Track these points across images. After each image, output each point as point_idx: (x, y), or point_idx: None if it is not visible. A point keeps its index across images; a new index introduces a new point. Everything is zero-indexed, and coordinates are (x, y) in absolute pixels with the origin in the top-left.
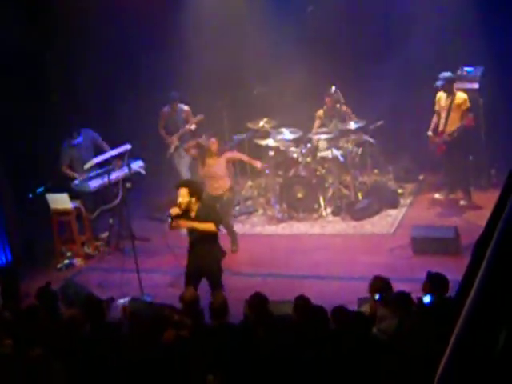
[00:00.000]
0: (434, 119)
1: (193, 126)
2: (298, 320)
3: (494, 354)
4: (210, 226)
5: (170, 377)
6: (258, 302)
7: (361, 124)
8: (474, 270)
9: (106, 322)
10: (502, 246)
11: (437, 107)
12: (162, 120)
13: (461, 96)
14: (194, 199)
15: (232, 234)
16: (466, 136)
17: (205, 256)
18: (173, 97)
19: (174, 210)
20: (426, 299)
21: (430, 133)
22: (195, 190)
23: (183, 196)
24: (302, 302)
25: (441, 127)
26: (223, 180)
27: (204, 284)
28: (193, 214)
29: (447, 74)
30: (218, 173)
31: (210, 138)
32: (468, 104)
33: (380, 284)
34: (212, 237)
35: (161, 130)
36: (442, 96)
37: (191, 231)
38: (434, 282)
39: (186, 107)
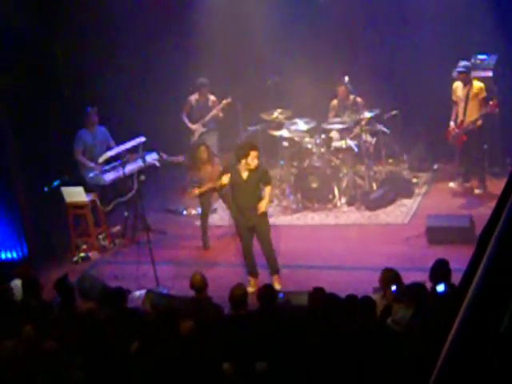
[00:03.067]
0: (454, 110)
1: (220, 113)
2: (312, 310)
3: (496, 341)
4: (270, 191)
5: (188, 365)
6: (267, 294)
7: (374, 114)
8: (479, 258)
9: (126, 308)
10: (507, 233)
11: (454, 97)
12: (187, 107)
13: (478, 85)
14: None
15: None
16: (484, 125)
17: (253, 208)
18: (202, 83)
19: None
20: (440, 288)
21: (452, 123)
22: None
23: (258, 157)
24: (318, 294)
25: (460, 117)
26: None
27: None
28: (249, 173)
29: (465, 63)
30: (212, 175)
31: (199, 146)
32: (485, 93)
33: (389, 275)
34: (259, 191)
35: (184, 117)
36: (458, 86)
37: (246, 189)
38: (434, 270)
39: (212, 97)
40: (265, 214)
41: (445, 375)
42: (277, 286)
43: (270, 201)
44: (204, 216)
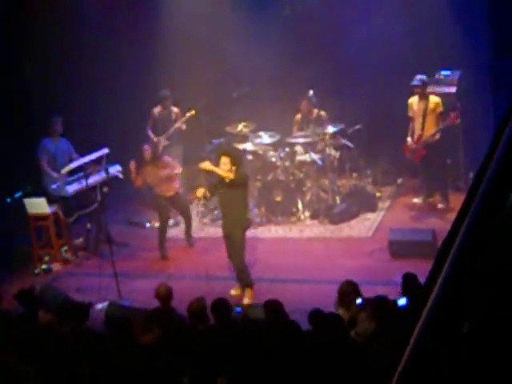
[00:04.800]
0: (411, 126)
1: (183, 126)
2: (269, 323)
3: (456, 352)
4: (228, 174)
5: (148, 379)
6: (219, 308)
7: (339, 128)
8: (438, 270)
9: (86, 325)
10: (465, 246)
11: (410, 113)
12: (151, 120)
13: (434, 100)
14: (234, 168)
15: (189, 226)
16: (444, 139)
17: (228, 215)
18: (164, 95)
19: (200, 192)
20: (402, 302)
21: (409, 139)
22: (237, 160)
23: (225, 164)
24: (271, 305)
25: (417, 132)
26: (172, 181)
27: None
28: (227, 182)
29: (421, 77)
30: (164, 175)
31: (142, 147)
32: (441, 108)
33: (348, 289)
34: (240, 201)
35: (148, 130)
36: (413, 101)
37: (222, 193)
38: (406, 284)
39: (175, 109)
40: (240, 228)
41: None
42: (246, 301)
43: (222, 175)
44: (162, 227)
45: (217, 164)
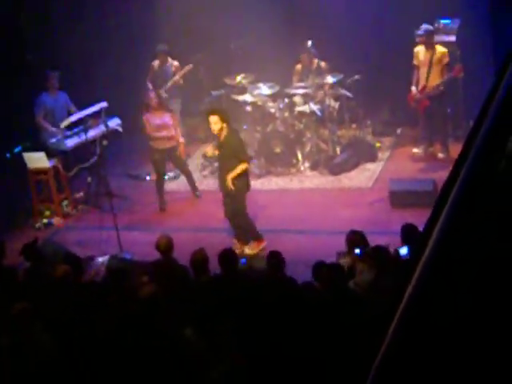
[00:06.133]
0: (415, 75)
1: (181, 80)
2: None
3: (449, 306)
4: (242, 167)
5: (149, 330)
6: (227, 258)
7: (338, 78)
8: (438, 214)
9: (83, 280)
10: (462, 196)
11: (415, 62)
12: (150, 73)
13: (441, 50)
14: (224, 125)
15: (191, 180)
16: (447, 89)
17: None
18: (160, 49)
19: (210, 151)
20: (403, 251)
21: (413, 88)
22: (225, 117)
23: (215, 123)
24: (273, 257)
25: (422, 82)
26: (175, 131)
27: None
28: (221, 139)
29: (427, 27)
30: (168, 123)
31: (147, 94)
32: (448, 58)
33: (356, 238)
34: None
35: (148, 83)
36: (420, 50)
37: (220, 156)
38: (405, 233)
39: (175, 62)
40: (242, 189)
41: (396, 341)
42: (247, 251)
43: (242, 171)
44: (157, 180)
45: (207, 123)
